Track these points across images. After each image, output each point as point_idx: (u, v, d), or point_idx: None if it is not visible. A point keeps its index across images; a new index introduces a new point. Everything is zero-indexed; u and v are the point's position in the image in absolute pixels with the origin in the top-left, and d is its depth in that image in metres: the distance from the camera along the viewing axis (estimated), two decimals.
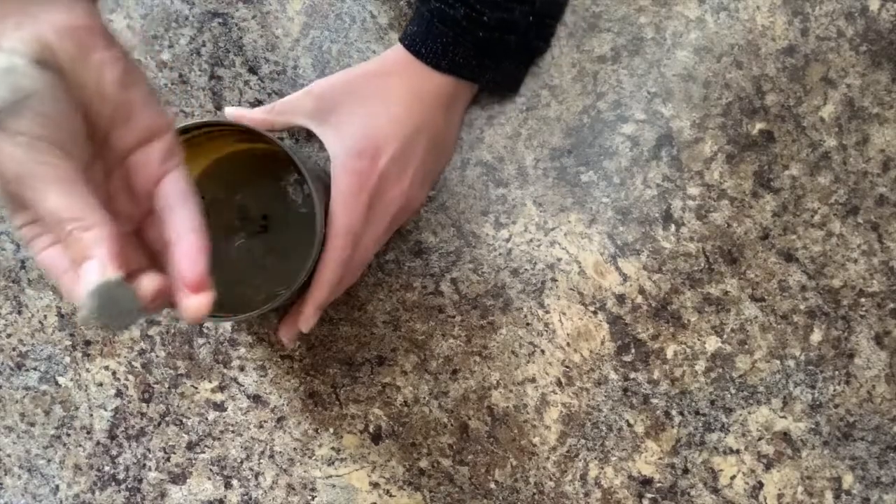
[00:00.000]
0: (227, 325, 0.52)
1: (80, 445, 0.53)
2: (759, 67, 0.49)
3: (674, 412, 0.51)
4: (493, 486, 0.51)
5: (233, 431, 0.52)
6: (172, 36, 0.51)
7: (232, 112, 0.49)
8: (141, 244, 0.34)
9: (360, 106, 0.46)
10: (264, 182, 0.51)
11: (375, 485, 0.52)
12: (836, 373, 0.50)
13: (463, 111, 0.50)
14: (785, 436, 0.50)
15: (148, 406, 0.52)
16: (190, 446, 0.52)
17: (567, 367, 0.51)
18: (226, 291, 0.52)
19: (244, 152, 0.51)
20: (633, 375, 0.51)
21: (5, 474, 0.53)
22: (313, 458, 0.52)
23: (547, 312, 0.51)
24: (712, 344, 0.50)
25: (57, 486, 0.53)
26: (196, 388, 0.52)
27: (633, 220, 0.50)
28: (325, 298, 0.45)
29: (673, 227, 0.50)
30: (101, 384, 0.52)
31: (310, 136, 0.51)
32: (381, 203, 0.46)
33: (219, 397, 0.52)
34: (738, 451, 0.51)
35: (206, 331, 0.52)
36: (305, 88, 0.48)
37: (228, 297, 0.52)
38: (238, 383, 0.52)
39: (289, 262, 0.51)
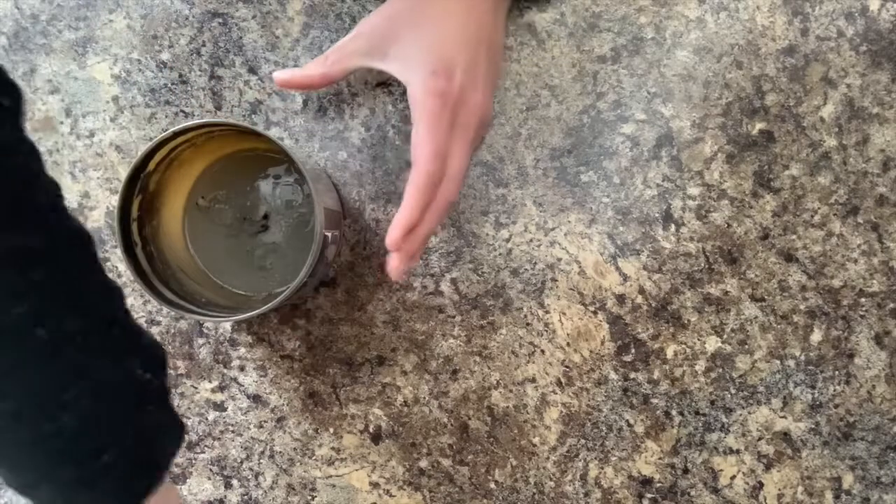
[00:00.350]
0: (227, 326, 0.52)
1: None
2: (759, 67, 0.49)
3: (674, 412, 0.51)
4: (493, 486, 0.51)
5: (233, 431, 0.52)
6: (172, 36, 0.51)
7: (281, 76, 0.48)
8: None
9: (417, 30, 0.45)
10: (264, 182, 0.51)
11: (375, 485, 0.52)
12: (836, 373, 0.50)
13: (506, 14, 0.49)
14: (785, 436, 0.50)
15: None
16: (190, 446, 0.52)
17: (567, 367, 0.51)
18: (226, 291, 0.52)
19: (244, 152, 0.51)
20: (633, 375, 0.51)
21: None
22: (313, 458, 0.52)
23: (547, 312, 0.51)
24: (712, 344, 0.50)
25: None
26: (196, 388, 0.52)
27: (633, 220, 0.50)
28: (419, 219, 0.44)
29: (673, 227, 0.50)
30: None
31: (311, 135, 0.51)
32: (464, 115, 0.45)
33: (219, 397, 0.52)
34: (738, 451, 0.51)
35: (206, 331, 0.52)
36: (352, 32, 0.47)
37: (229, 297, 0.51)
38: (238, 383, 0.52)
39: (288, 261, 0.51)
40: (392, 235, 0.42)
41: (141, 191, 0.47)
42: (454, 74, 0.44)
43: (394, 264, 0.43)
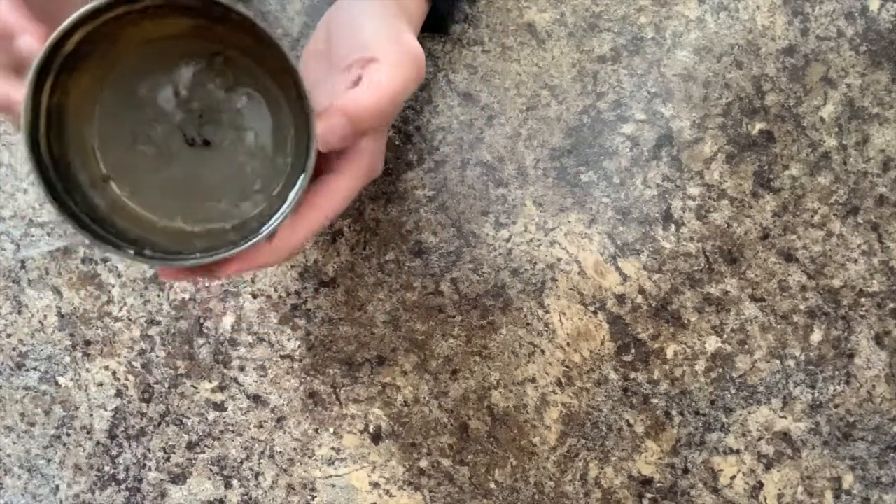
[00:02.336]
0: (227, 325, 0.52)
1: (80, 445, 0.53)
2: (759, 67, 0.49)
3: (674, 412, 0.51)
4: (493, 486, 0.51)
5: (233, 431, 0.52)
6: None
7: None
8: None
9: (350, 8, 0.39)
10: (189, 72, 0.40)
11: (375, 485, 0.52)
12: (836, 373, 0.50)
13: None
14: (785, 436, 0.50)
15: (148, 406, 0.52)
16: (190, 446, 0.52)
17: (567, 367, 0.51)
18: (162, 227, 0.40)
19: (165, 39, 0.38)
20: (633, 375, 0.51)
21: (5, 474, 0.53)
22: (313, 458, 0.52)
23: (547, 312, 0.51)
24: (712, 344, 0.50)
25: (57, 486, 0.53)
26: (196, 388, 0.52)
27: (633, 220, 0.50)
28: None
29: (673, 227, 0.50)
30: (101, 384, 0.52)
31: None
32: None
33: (219, 397, 0.52)
34: (738, 451, 0.51)
35: (205, 331, 0.52)
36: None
37: (171, 236, 0.40)
38: (238, 383, 0.52)
39: (236, 174, 0.40)
40: (225, 271, 0.36)
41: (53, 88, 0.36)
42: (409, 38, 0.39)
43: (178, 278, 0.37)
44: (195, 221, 0.40)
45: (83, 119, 0.39)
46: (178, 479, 0.53)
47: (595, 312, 0.51)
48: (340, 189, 0.38)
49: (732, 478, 0.51)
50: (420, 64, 0.38)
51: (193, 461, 0.53)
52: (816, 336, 0.50)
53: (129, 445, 0.52)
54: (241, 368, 0.52)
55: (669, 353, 0.50)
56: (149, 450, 0.52)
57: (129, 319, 0.52)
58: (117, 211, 0.39)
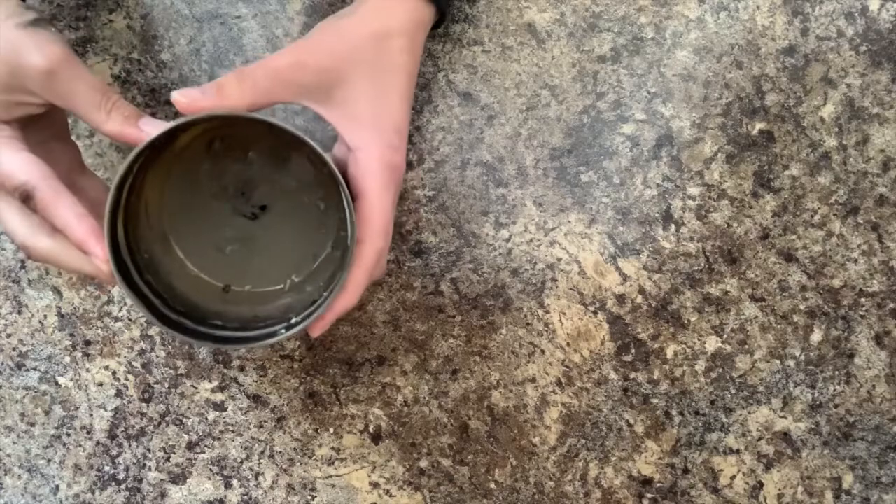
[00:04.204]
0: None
1: (80, 445, 0.53)
2: (759, 67, 0.49)
3: (674, 412, 0.51)
4: (493, 486, 0.51)
5: (233, 431, 0.52)
6: (172, 36, 0.51)
7: (184, 98, 0.39)
8: None
9: (366, 80, 0.41)
10: (264, 158, 0.46)
11: (375, 485, 0.52)
12: (836, 373, 0.50)
13: None
14: (785, 436, 0.50)
15: (148, 406, 0.52)
16: (190, 446, 0.52)
17: (567, 367, 0.51)
18: (202, 282, 0.46)
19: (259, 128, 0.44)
20: (633, 375, 0.51)
21: (5, 474, 0.53)
22: (313, 458, 0.52)
23: (547, 312, 0.51)
24: (712, 344, 0.50)
25: (57, 486, 0.53)
26: (196, 388, 0.52)
27: (633, 220, 0.50)
28: (351, 306, 0.42)
29: (673, 227, 0.50)
30: (101, 384, 0.52)
31: (311, 136, 0.51)
32: (399, 183, 0.43)
33: (219, 397, 0.52)
34: (738, 451, 0.51)
35: None
36: (289, 57, 0.40)
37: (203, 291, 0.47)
38: (238, 383, 0.52)
39: (264, 258, 0.47)
40: (326, 320, 0.41)
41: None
42: (404, 149, 0.42)
43: (319, 325, 0.42)
44: (260, 285, 0.46)
45: (155, 211, 0.44)
46: (178, 479, 0.53)
47: (595, 312, 0.51)
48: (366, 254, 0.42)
49: (732, 478, 0.51)
50: (399, 179, 0.43)
51: (193, 461, 0.53)
52: (816, 336, 0.50)
53: (129, 445, 0.52)
54: (241, 368, 0.52)
55: (669, 353, 0.50)
56: (149, 450, 0.52)
57: (129, 319, 0.52)
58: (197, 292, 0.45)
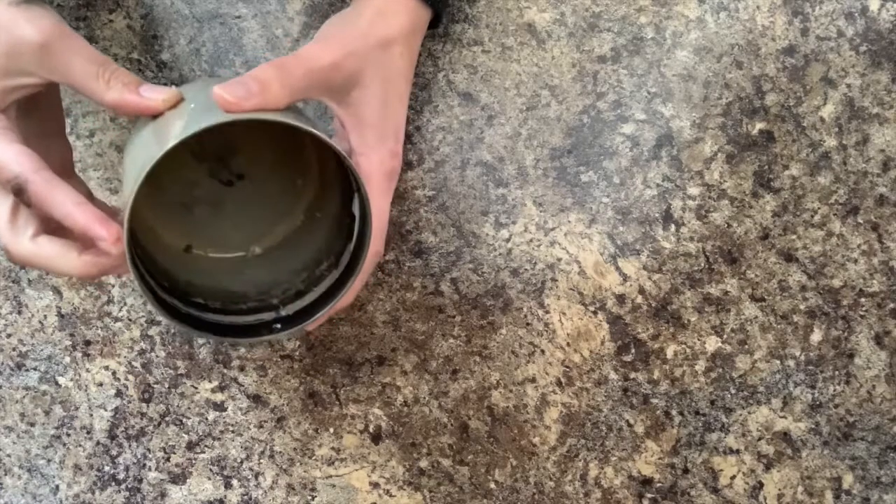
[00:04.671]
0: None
1: (80, 445, 0.53)
2: (759, 67, 0.49)
3: (674, 412, 0.51)
4: (493, 486, 0.51)
5: (233, 431, 0.52)
6: (172, 36, 0.51)
7: (229, 98, 0.36)
8: None
9: (377, 85, 0.42)
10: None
11: (375, 485, 0.52)
12: (836, 373, 0.50)
13: None
14: (785, 436, 0.50)
15: (148, 406, 0.52)
16: (190, 446, 0.52)
17: (567, 367, 0.51)
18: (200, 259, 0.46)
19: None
20: (633, 375, 0.51)
21: (5, 474, 0.53)
22: (313, 458, 0.52)
23: (547, 312, 0.51)
24: (712, 344, 0.50)
25: (57, 486, 0.53)
26: (196, 388, 0.52)
27: (633, 220, 0.50)
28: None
29: (673, 227, 0.50)
30: (101, 384, 0.52)
31: None
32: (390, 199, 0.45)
33: (219, 397, 0.52)
34: (738, 451, 0.51)
35: None
36: (328, 54, 0.40)
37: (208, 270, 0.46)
38: (238, 383, 0.52)
39: (247, 224, 0.46)
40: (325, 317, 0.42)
41: None
42: (401, 148, 0.44)
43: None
44: (222, 250, 0.46)
45: (148, 213, 0.44)
46: (178, 479, 0.53)
47: (595, 312, 0.51)
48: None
49: (732, 478, 0.51)
50: (395, 182, 0.44)
51: (193, 461, 0.53)
52: (816, 336, 0.50)
53: (129, 445, 0.52)
54: (241, 368, 0.52)
55: (669, 353, 0.50)
56: (149, 450, 0.52)
57: (129, 319, 0.52)
58: (201, 276, 0.44)
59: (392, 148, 0.43)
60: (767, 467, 0.51)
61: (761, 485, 0.51)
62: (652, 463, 0.51)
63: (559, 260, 0.51)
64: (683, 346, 0.50)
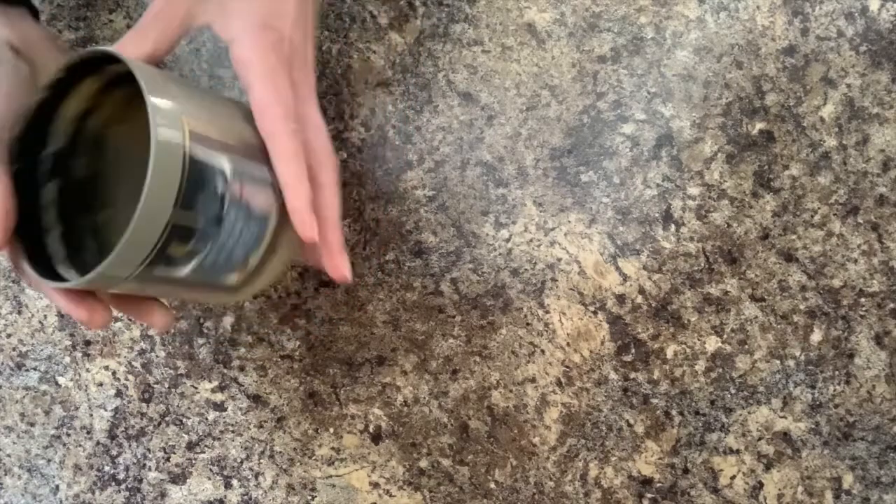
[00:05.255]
0: (227, 325, 0.52)
1: (80, 445, 0.53)
2: (759, 67, 0.49)
3: (674, 412, 0.51)
4: (493, 486, 0.51)
5: (233, 431, 0.52)
6: None
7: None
8: None
9: None
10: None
11: (375, 485, 0.52)
12: (836, 373, 0.50)
13: None
14: (785, 436, 0.50)
15: (148, 406, 0.52)
16: (190, 446, 0.52)
17: (567, 367, 0.51)
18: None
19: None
20: (633, 375, 0.51)
21: (5, 474, 0.53)
22: (313, 458, 0.52)
23: (547, 312, 0.51)
24: (712, 344, 0.50)
25: (57, 486, 0.53)
26: (196, 388, 0.52)
27: (633, 220, 0.50)
28: (310, 192, 0.38)
29: (673, 227, 0.50)
30: (101, 384, 0.52)
31: None
32: (299, 72, 0.40)
33: (219, 397, 0.52)
34: (738, 451, 0.51)
35: (205, 331, 0.52)
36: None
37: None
38: (238, 383, 0.52)
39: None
40: (302, 220, 0.37)
41: None
42: (285, 26, 0.39)
43: (334, 262, 0.39)
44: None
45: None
46: (178, 479, 0.53)
47: (595, 312, 0.51)
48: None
49: (732, 478, 0.51)
50: (287, 49, 0.39)
51: (193, 461, 0.53)
52: (816, 336, 0.50)
53: (129, 445, 0.52)
54: (241, 368, 0.52)
55: (669, 353, 0.50)
56: (149, 450, 0.52)
57: (129, 319, 0.52)
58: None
59: (265, 21, 0.38)
60: (767, 467, 0.51)
61: (761, 485, 0.51)
62: (652, 463, 0.51)
63: (559, 260, 0.51)
64: (683, 346, 0.50)
